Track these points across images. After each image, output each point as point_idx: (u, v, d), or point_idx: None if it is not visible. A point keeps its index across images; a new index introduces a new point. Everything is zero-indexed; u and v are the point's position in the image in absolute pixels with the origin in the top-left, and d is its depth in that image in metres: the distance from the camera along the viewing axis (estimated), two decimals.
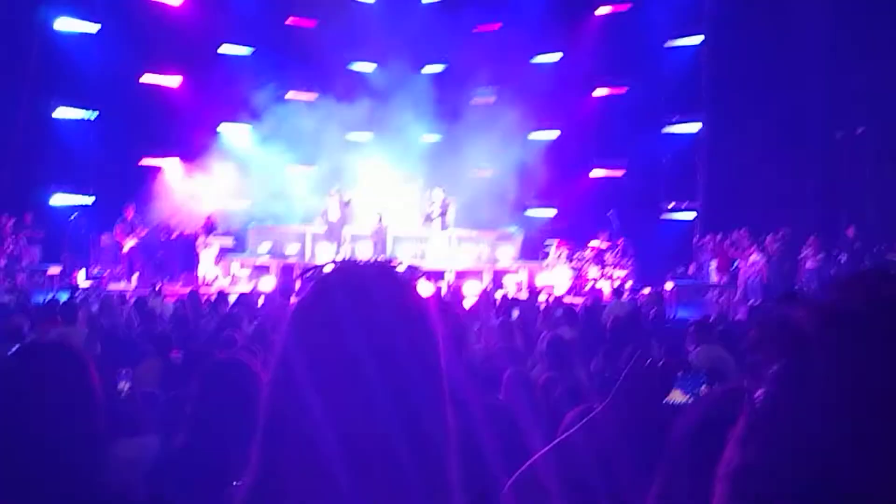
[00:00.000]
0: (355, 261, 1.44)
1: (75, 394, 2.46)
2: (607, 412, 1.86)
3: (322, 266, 1.41)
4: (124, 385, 6.46)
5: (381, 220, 22.53)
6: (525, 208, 25.73)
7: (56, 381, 2.44)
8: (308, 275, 1.43)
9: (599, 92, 25.32)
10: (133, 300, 14.32)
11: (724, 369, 7.10)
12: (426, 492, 1.31)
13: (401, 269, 1.43)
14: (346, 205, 22.52)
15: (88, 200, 23.43)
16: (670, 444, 1.28)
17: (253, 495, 1.36)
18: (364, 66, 26.63)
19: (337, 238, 22.51)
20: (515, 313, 12.07)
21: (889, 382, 0.63)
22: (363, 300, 1.34)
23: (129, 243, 21.89)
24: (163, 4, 24.06)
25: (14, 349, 2.72)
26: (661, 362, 1.88)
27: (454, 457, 1.37)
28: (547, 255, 23.33)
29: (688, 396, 1.83)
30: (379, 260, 1.43)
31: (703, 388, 1.82)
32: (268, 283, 20.55)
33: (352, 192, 23.20)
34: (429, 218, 23.01)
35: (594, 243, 23.00)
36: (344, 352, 1.30)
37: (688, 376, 1.87)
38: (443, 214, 22.74)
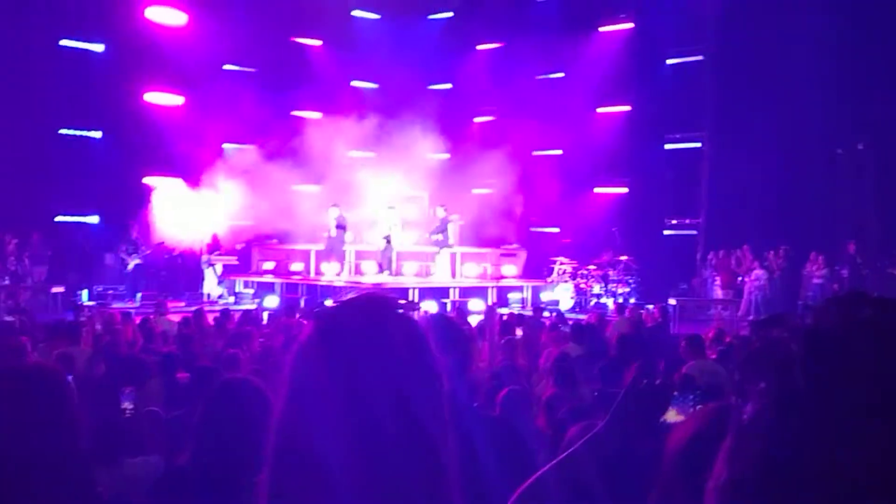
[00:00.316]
0: (359, 297, 1.47)
1: (54, 415, 2.48)
2: (608, 429, 1.88)
3: (324, 302, 1.45)
4: (128, 405, 6.48)
5: (388, 241, 22.50)
6: (530, 226, 25.76)
7: (35, 404, 2.46)
8: (315, 310, 1.48)
9: (602, 109, 25.35)
10: (137, 319, 14.33)
11: (719, 384, 7.13)
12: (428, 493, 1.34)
13: (401, 302, 1.47)
14: (341, 225, 22.37)
15: (93, 219, 23.47)
16: (665, 459, 1.31)
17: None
18: (368, 85, 26.72)
19: (338, 256, 22.42)
20: (519, 332, 12.06)
21: (867, 399, 0.66)
22: (367, 336, 1.38)
23: (133, 262, 21.95)
24: (166, 25, 24.17)
25: None
26: (658, 381, 1.90)
27: (456, 477, 1.40)
28: (551, 271, 23.36)
29: (683, 415, 1.86)
30: (380, 296, 1.47)
31: (698, 406, 1.85)
32: (272, 301, 20.60)
33: (348, 211, 23.07)
34: (436, 240, 22.89)
35: (598, 260, 23.09)
36: (350, 385, 1.33)
37: (685, 395, 1.89)
38: (443, 231, 22.69)
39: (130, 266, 21.95)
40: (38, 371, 2.72)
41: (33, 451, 2.38)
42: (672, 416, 1.89)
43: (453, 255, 23.00)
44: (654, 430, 1.85)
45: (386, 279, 21.72)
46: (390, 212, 23.43)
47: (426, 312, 16.02)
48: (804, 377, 0.70)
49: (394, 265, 22.67)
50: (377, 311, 1.43)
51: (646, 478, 1.69)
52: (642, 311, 18.96)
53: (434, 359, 1.41)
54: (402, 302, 1.46)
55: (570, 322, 14.22)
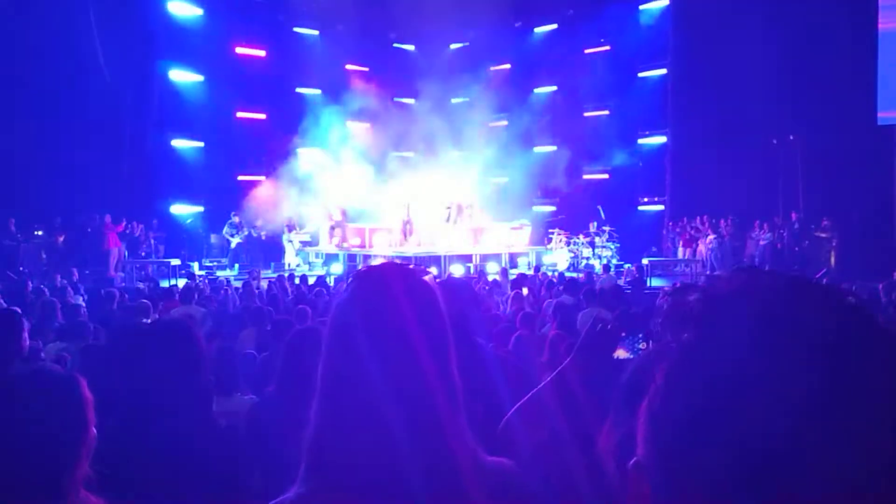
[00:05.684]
0: (384, 263, 1.52)
1: (189, 354, 2.57)
2: (575, 361, 1.94)
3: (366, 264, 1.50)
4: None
5: (408, 211, 22.23)
6: (532, 205, 25.71)
7: (174, 345, 2.56)
8: (355, 270, 1.53)
9: (588, 113, 25.18)
10: (236, 282, 14.51)
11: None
12: (439, 411, 1.39)
13: (413, 266, 1.52)
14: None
15: (200, 209, 23.70)
16: (616, 389, 1.36)
17: (318, 426, 1.43)
18: (407, 100, 26.64)
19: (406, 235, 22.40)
20: (525, 291, 12.08)
21: (749, 350, 0.70)
22: (387, 289, 1.43)
23: (236, 240, 22.12)
24: (251, 56, 24.29)
25: (144, 323, 2.86)
26: (609, 326, 1.95)
27: (459, 393, 1.44)
28: (550, 240, 23.32)
29: (629, 353, 1.90)
30: (398, 261, 1.51)
31: (641, 345, 1.88)
32: (337, 268, 20.73)
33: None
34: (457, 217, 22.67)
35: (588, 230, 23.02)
36: (377, 322, 1.39)
37: (630, 337, 1.93)
38: (459, 213, 22.56)
39: (234, 244, 22.13)
40: (174, 324, 2.81)
41: (172, 385, 2.47)
42: (621, 353, 1.93)
43: (476, 229, 22.68)
44: (607, 365, 1.91)
45: (425, 249, 21.52)
46: (423, 196, 23.25)
47: (450, 275, 16.07)
48: (706, 330, 0.73)
49: (414, 236, 22.24)
50: (395, 271, 1.47)
51: (602, 400, 1.76)
52: (624, 270, 18.94)
53: (440, 308, 1.45)
54: (414, 267, 1.50)
55: (567, 279, 14.20)
